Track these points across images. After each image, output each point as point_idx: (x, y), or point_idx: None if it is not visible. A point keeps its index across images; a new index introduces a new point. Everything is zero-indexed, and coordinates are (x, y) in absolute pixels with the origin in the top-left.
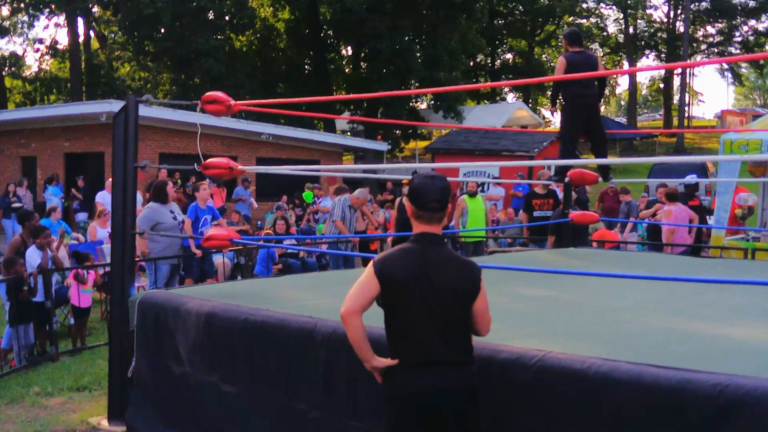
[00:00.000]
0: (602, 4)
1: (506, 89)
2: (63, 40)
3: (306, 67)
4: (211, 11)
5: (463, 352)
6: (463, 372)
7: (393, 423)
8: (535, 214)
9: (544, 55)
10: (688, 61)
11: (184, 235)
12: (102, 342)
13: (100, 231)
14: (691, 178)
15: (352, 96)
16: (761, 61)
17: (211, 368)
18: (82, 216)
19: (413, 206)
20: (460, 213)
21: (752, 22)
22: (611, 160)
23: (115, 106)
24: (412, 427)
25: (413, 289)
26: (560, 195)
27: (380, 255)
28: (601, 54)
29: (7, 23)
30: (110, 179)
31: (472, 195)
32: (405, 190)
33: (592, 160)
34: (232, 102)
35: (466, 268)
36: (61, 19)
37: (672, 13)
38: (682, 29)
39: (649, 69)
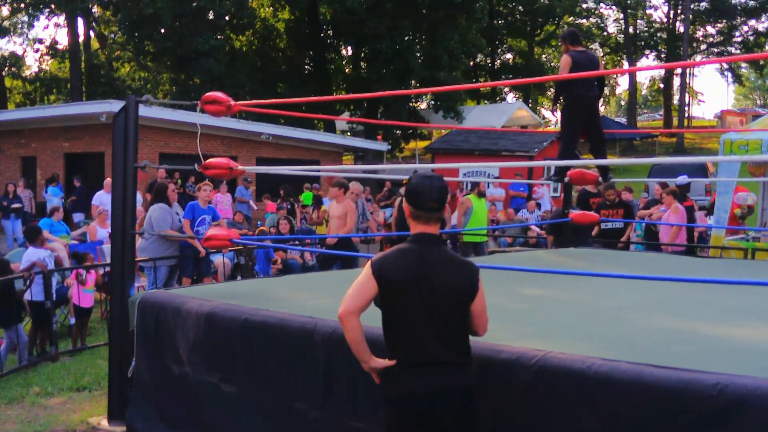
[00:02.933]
0: (602, 5)
1: (506, 89)
2: (63, 40)
3: (306, 67)
4: (211, 11)
5: (461, 353)
6: (462, 372)
7: (391, 423)
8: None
9: (544, 56)
10: (688, 61)
11: (186, 236)
12: (102, 342)
13: (100, 231)
14: (683, 179)
15: (351, 96)
16: (761, 61)
17: (211, 368)
18: (79, 216)
19: (411, 206)
20: (463, 212)
21: (752, 22)
22: (611, 160)
23: (115, 106)
24: (410, 427)
25: (412, 289)
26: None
27: (378, 255)
28: (601, 54)
29: (7, 23)
30: (108, 179)
31: (481, 195)
32: (402, 190)
33: (592, 161)
34: (232, 102)
35: (464, 269)
36: (61, 19)
37: (672, 13)
38: (682, 29)
39: (649, 69)
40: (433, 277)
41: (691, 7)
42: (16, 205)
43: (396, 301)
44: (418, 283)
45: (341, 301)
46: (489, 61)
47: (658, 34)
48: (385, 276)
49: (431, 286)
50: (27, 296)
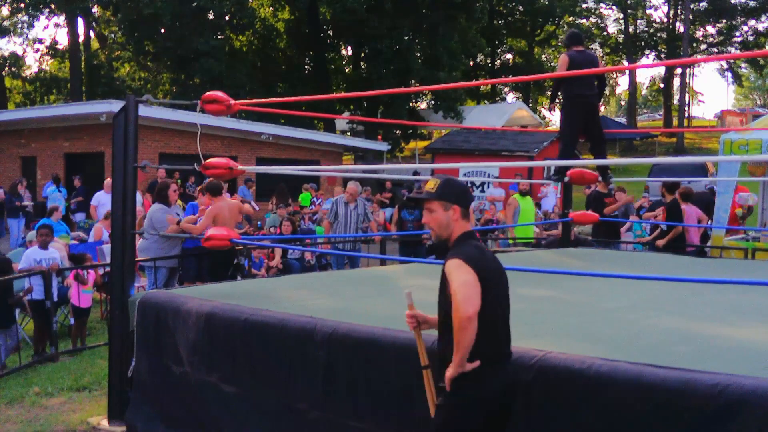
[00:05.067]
0: (602, 4)
1: (506, 89)
2: (63, 40)
3: (306, 67)
4: (211, 11)
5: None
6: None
7: (466, 422)
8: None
9: (543, 55)
10: (688, 58)
11: (186, 235)
12: (102, 342)
13: (107, 233)
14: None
15: (351, 94)
16: (761, 61)
17: (211, 368)
18: (80, 216)
19: (462, 207)
20: (512, 212)
21: (752, 22)
22: (611, 160)
23: (114, 106)
24: (484, 423)
25: (497, 283)
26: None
27: (462, 255)
28: (601, 54)
29: (7, 23)
30: (108, 180)
31: (524, 194)
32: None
33: (592, 161)
34: (232, 101)
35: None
36: (61, 19)
37: (672, 13)
38: (682, 29)
39: (649, 66)
40: (503, 272)
41: (691, 7)
42: (25, 203)
43: (487, 297)
44: (501, 278)
45: (341, 300)
46: (489, 61)
47: (658, 34)
48: (483, 272)
49: (503, 280)
50: (28, 296)
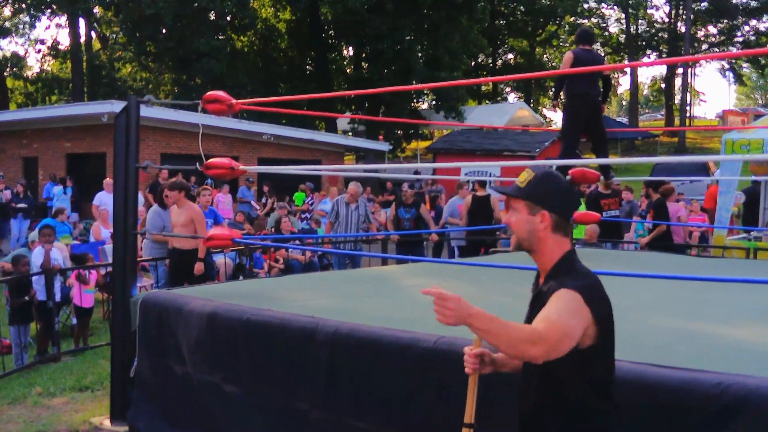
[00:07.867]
0: (603, 5)
1: (507, 89)
2: (64, 41)
3: (307, 67)
4: (212, 12)
5: None
6: None
7: None
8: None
9: (545, 55)
10: (688, 56)
11: (186, 236)
12: (104, 342)
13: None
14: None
15: (352, 92)
16: (762, 60)
17: (213, 368)
18: (74, 217)
19: (557, 214)
20: None
21: (753, 22)
22: (612, 159)
23: (116, 106)
24: None
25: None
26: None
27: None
28: (603, 54)
29: (8, 24)
30: (108, 179)
31: None
32: (470, 190)
33: (594, 160)
34: (234, 101)
35: None
36: (63, 19)
37: (673, 13)
38: (683, 29)
39: (650, 64)
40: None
41: (693, 6)
42: (21, 205)
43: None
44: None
45: (343, 300)
46: (490, 61)
47: (660, 34)
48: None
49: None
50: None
